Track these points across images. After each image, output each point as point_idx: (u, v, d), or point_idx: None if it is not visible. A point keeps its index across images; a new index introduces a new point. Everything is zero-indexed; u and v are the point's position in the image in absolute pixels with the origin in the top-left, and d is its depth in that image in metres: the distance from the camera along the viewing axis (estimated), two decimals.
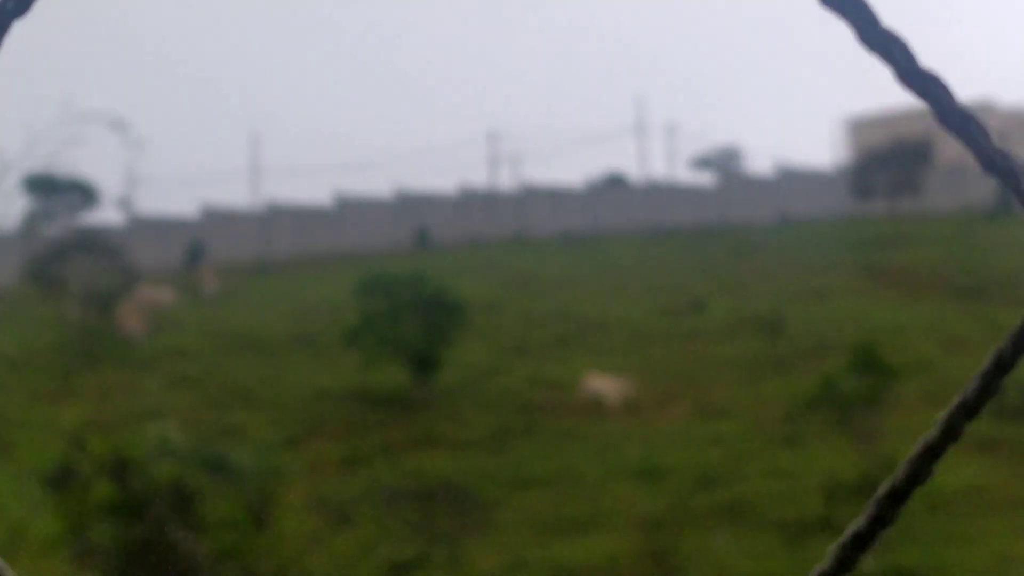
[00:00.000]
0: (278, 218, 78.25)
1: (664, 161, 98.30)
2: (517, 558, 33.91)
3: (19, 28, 1.20)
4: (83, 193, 79.47)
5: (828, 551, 1.12)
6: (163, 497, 26.95)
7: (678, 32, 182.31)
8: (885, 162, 70.42)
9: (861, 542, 1.15)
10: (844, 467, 34.74)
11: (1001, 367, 1.12)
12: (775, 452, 40.23)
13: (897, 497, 1.15)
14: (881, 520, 1.15)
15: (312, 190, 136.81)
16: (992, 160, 1.10)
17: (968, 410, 1.17)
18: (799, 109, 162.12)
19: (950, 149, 78.72)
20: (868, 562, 27.52)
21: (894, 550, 30.78)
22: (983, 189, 78.84)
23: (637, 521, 36.01)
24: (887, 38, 1.09)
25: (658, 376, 47.42)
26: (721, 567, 32.82)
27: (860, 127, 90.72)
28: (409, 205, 79.69)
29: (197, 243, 75.89)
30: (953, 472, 35.04)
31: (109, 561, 28.09)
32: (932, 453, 1.16)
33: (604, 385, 45.09)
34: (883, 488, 1.16)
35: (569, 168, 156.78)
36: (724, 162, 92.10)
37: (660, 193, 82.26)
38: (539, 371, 48.74)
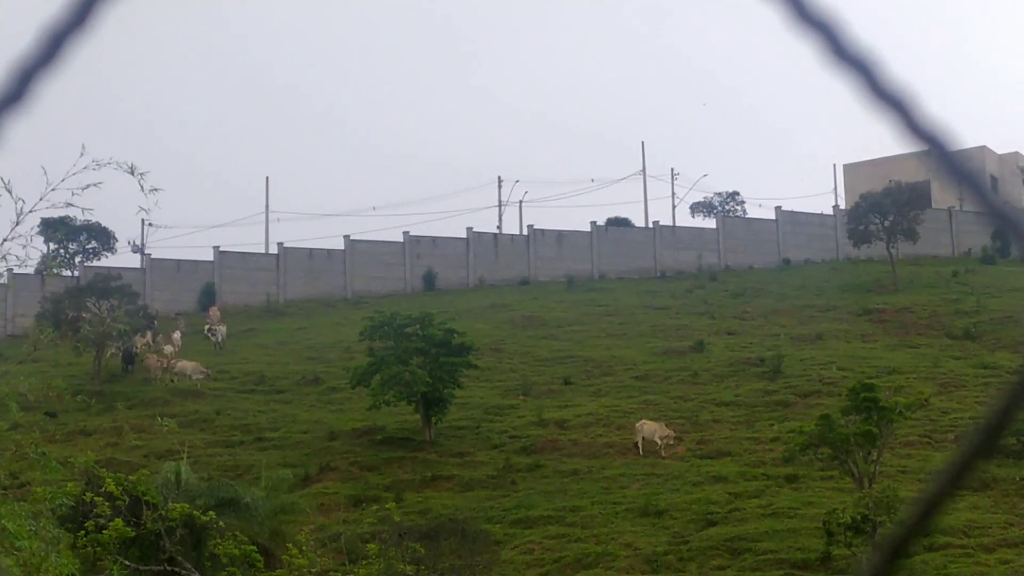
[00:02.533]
0: (290, 261, 78.93)
1: (667, 206, 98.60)
2: None
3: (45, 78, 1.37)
4: (99, 237, 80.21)
5: None
6: (176, 534, 27.47)
7: (682, 82, 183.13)
8: (882, 207, 70.83)
9: None
10: (843, 506, 34.89)
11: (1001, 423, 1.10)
12: (775, 491, 40.56)
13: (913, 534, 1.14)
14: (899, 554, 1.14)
15: (323, 235, 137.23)
16: (993, 205, 1.17)
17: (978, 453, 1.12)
18: (798, 154, 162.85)
19: (945, 193, 79.18)
20: None
21: None
22: (978, 233, 79.40)
23: (640, 559, 36.29)
24: (896, 93, 1.16)
25: (660, 416, 47.80)
26: None
27: (855, 170, 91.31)
28: (417, 249, 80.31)
29: (210, 286, 76.55)
30: (949, 511, 35.44)
31: None
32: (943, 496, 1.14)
33: (656, 430, 44.96)
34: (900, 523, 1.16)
35: (574, 213, 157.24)
36: (725, 207, 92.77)
37: (662, 237, 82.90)
38: (544, 411, 49.13)
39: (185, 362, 56.16)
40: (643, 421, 45.88)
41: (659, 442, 44.69)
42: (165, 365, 55.76)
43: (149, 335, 60.91)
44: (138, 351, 57.50)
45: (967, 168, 1.18)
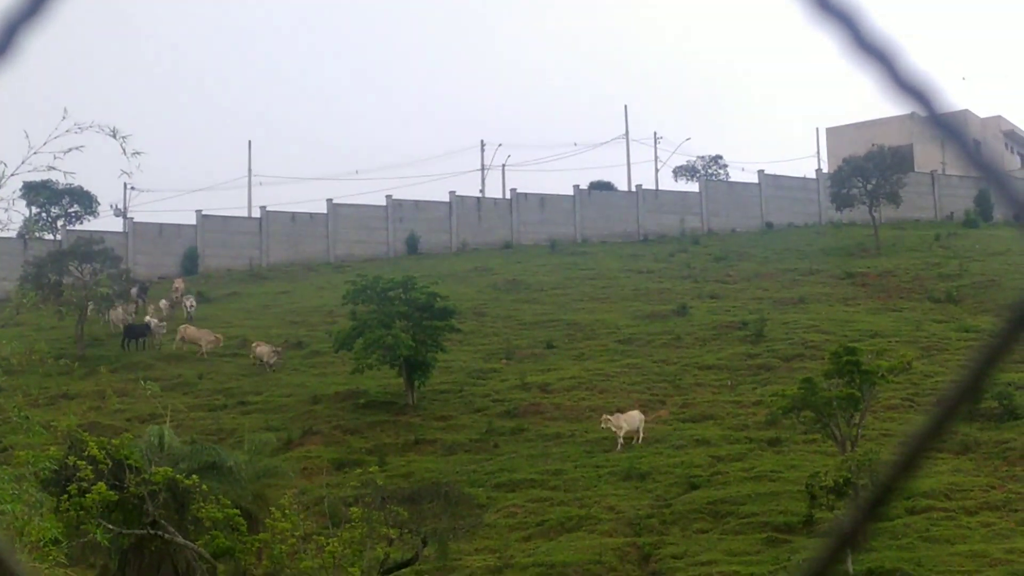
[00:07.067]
0: (272, 225, 78.76)
1: (650, 170, 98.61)
2: (506, 558, 34.34)
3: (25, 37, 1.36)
4: (81, 201, 79.90)
5: (817, 543, 1.28)
6: (159, 498, 27.42)
7: (665, 45, 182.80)
8: (865, 171, 70.96)
9: (850, 537, 1.18)
10: (825, 469, 34.96)
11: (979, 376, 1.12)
12: (758, 454, 40.68)
13: (888, 491, 1.16)
14: (870, 516, 1.16)
15: (305, 198, 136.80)
16: (976, 160, 1.20)
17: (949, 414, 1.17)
18: (781, 118, 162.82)
19: (928, 156, 79.31)
20: (847, 563, 27.91)
21: (873, 551, 31.29)
22: (961, 196, 79.57)
23: (623, 522, 36.38)
24: (882, 46, 1.15)
25: (642, 380, 47.86)
26: (705, 566, 33.21)
27: (838, 134, 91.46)
28: (400, 212, 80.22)
29: (192, 250, 76.35)
30: (931, 474, 35.62)
31: (106, 561, 28.65)
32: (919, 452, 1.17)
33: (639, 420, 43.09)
34: (875, 481, 1.16)
35: (557, 177, 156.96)
36: (708, 171, 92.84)
37: (645, 201, 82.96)
38: (527, 375, 49.20)
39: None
40: (631, 412, 43.12)
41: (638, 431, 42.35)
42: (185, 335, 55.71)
43: (165, 303, 61.18)
44: (154, 326, 57.15)
45: (950, 122, 1.18)
